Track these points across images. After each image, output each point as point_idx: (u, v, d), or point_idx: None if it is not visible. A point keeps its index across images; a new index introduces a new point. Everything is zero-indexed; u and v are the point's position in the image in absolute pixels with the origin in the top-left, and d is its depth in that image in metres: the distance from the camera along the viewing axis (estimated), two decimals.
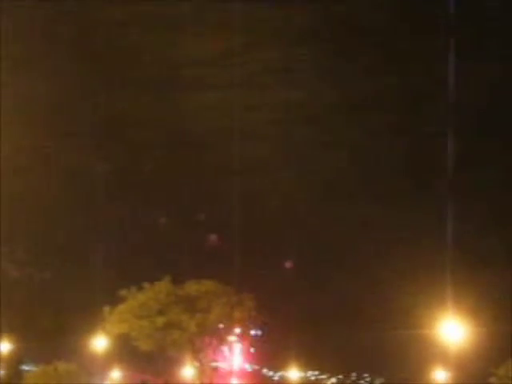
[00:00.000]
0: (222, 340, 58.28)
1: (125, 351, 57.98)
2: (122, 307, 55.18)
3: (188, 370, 58.27)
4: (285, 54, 52.56)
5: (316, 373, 74.89)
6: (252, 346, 64.44)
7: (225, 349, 60.66)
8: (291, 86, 53.84)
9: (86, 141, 56.66)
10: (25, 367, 64.16)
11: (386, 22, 50.59)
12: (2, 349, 58.39)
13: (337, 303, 62.29)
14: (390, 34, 51.99)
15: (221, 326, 56.07)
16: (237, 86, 52.76)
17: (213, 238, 60.49)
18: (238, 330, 58.34)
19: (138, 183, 59.38)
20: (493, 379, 52.76)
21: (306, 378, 72.61)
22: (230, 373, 64.08)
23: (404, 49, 53.09)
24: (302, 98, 55.10)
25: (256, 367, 69.13)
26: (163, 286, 55.18)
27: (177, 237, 59.88)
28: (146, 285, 55.48)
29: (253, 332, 60.72)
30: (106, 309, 55.40)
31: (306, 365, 68.16)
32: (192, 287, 55.47)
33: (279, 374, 73.08)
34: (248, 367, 67.20)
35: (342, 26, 51.56)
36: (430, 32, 49.61)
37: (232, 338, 59.82)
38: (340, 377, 77.28)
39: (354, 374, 77.10)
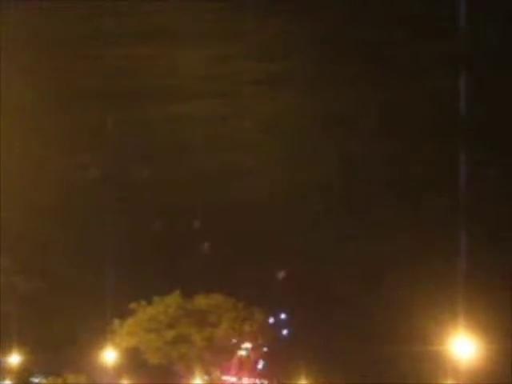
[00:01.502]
0: (231, 354, 58.16)
1: (134, 364, 57.88)
2: (131, 320, 55.27)
3: None
4: (269, 65, 52.58)
5: None
6: (262, 360, 64.18)
7: (234, 363, 60.49)
8: (276, 96, 53.91)
9: (77, 149, 56.76)
10: (34, 379, 64.11)
11: (379, 32, 50.50)
12: (11, 361, 58.42)
13: (348, 317, 61.87)
14: (380, 46, 51.90)
15: (230, 339, 55.97)
16: (220, 95, 52.94)
17: (206, 246, 60.30)
18: (247, 344, 58.16)
19: (132, 192, 59.43)
20: None
21: None
22: None
23: (398, 60, 52.99)
24: (288, 109, 55.19)
25: (265, 381, 68.79)
26: (173, 299, 55.23)
27: (184, 248, 59.77)
28: (155, 298, 55.51)
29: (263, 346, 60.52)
30: (116, 322, 55.45)
31: (317, 379, 67.68)
32: (201, 301, 55.48)
33: None
34: (258, 381, 66.90)
35: (330, 37, 51.50)
36: (427, 43, 49.64)
37: (241, 352, 59.65)
38: None
39: None
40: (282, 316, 63.46)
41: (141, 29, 48.24)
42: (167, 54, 49.41)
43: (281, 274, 60.91)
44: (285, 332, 63.97)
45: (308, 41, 50.85)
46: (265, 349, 61.92)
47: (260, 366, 64.51)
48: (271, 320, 61.52)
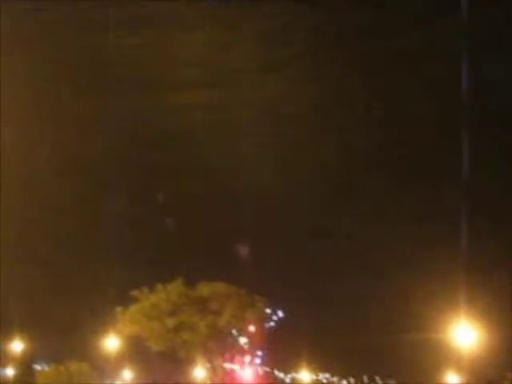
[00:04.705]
0: (233, 341, 58.35)
1: (136, 351, 58.08)
2: (133, 308, 55.41)
3: (199, 371, 58.34)
4: (267, 53, 52.59)
5: (327, 375, 74.65)
6: (263, 348, 64.40)
7: (236, 350, 60.71)
8: (275, 84, 53.91)
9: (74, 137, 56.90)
10: (37, 366, 64.33)
11: (377, 20, 50.45)
12: (14, 348, 58.59)
13: (348, 306, 62.09)
14: (380, 33, 51.90)
15: (232, 327, 56.15)
16: (219, 84, 52.95)
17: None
18: (249, 332, 58.35)
19: (135, 179, 59.56)
20: (505, 383, 52.56)
21: (318, 380, 72.41)
22: (241, 374, 64.09)
23: (400, 48, 52.99)
24: (285, 97, 55.20)
25: (267, 369, 69.02)
26: (175, 287, 55.34)
27: (187, 238, 59.94)
28: (158, 286, 55.66)
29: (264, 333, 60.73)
30: (119, 309, 55.62)
31: (317, 367, 67.98)
32: (204, 289, 55.57)
33: (290, 375, 72.94)
34: (259, 369, 67.14)
35: (329, 25, 51.48)
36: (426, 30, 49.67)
37: (243, 340, 59.85)
38: (351, 379, 77.02)
39: (365, 377, 76.81)
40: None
41: (138, 17, 48.29)
42: (164, 42, 49.46)
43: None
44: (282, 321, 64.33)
45: (307, 28, 50.85)
46: (265, 336, 62.22)
47: (261, 353, 64.79)
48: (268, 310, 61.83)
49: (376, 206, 61.99)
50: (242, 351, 61.53)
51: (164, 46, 50.88)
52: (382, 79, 55.35)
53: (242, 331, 57.73)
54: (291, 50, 53.15)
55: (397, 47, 52.89)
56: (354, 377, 76.37)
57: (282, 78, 54.34)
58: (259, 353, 64.79)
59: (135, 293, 55.41)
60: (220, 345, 56.80)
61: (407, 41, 51.85)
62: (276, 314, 63.69)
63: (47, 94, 53.15)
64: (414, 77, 54.17)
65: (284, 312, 64.91)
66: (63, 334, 58.31)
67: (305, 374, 66.37)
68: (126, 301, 55.42)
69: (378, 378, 76.59)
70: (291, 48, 53.00)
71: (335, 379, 76.02)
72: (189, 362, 57.75)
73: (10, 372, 59.79)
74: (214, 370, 58.04)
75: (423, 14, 49.40)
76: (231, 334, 57.10)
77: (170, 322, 54.54)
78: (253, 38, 51.13)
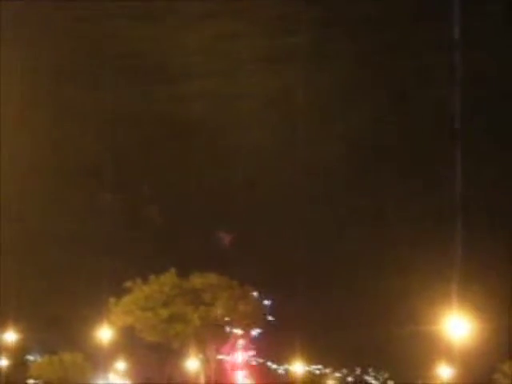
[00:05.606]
0: (226, 333, 58.38)
1: (130, 342, 58.07)
2: (127, 299, 55.34)
3: (193, 362, 58.37)
4: (273, 43, 52.54)
5: (320, 367, 74.85)
6: (256, 339, 64.49)
7: (229, 341, 60.77)
8: (279, 74, 53.88)
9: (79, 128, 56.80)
10: (30, 357, 64.26)
11: (379, 11, 50.50)
12: (7, 338, 58.49)
13: (342, 299, 62.21)
14: (383, 24, 51.95)
15: (225, 318, 56.15)
16: (224, 74, 52.91)
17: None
18: (242, 323, 58.39)
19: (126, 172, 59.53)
20: (497, 375, 52.74)
21: (310, 371, 72.58)
22: (235, 365, 64.19)
23: (397, 39, 53.10)
24: (289, 87, 55.19)
25: (260, 360, 69.16)
26: (168, 278, 55.27)
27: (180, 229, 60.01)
28: (151, 277, 55.61)
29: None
30: (112, 300, 55.55)
31: (310, 359, 68.09)
32: (197, 280, 55.53)
33: (283, 367, 73.08)
34: (252, 360, 67.27)
35: (332, 16, 51.54)
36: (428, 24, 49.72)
37: (236, 331, 59.91)
38: (344, 371, 77.24)
39: (358, 369, 77.07)
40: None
41: (146, 9, 48.24)
42: (172, 34, 49.40)
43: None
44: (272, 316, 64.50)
45: (310, 19, 50.87)
46: (258, 329, 62.34)
47: (255, 344, 64.91)
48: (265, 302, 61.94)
49: (373, 204, 62.17)
50: (234, 342, 61.61)
51: (169, 38, 50.87)
52: (385, 71, 55.47)
53: (235, 322, 57.75)
54: (296, 40, 53.16)
55: (399, 39, 53.01)
56: (346, 368, 76.65)
57: (289, 68, 54.36)
58: (252, 344, 64.92)
59: (128, 284, 55.36)
60: (213, 336, 56.79)
61: (410, 33, 51.96)
62: (269, 306, 63.83)
63: (45, 86, 53.17)
64: (413, 68, 54.29)
65: (277, 304, 65.04)
66: (57, 324, 58.38)
67: (298, 366, 66.47)
68: (119, 292, 55.41)
69: (370, 370, 76.92)
70: (296, 38, 53.02)
71: (328, 371, 76.26)
72: (182, 353, 57.78)
73: (2, 362, 59.70)
74: (207, 361, 58.07)
75: (421, 7, 49.51)
76: (224, 325, 57.13)
77: (163, 313, 54.48)
78: (260, 28, 51.19)
